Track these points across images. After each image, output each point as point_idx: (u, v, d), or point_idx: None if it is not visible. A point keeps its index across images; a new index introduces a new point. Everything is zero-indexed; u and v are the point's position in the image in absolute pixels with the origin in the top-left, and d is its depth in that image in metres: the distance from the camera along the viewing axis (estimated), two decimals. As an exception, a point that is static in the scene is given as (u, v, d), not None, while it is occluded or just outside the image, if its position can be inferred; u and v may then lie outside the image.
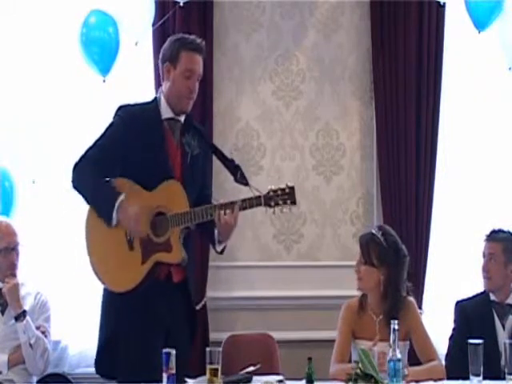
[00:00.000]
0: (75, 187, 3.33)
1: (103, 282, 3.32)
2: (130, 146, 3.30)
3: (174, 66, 3.37)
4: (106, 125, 3.42)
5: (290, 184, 3.34)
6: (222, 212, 3.27)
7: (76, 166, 3.32)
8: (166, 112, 3.40)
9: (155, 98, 3.46)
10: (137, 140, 3.31)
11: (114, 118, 3.41)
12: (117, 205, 3.21)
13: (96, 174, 3.29)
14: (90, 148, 3.35)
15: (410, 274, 3.56)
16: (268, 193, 3.31)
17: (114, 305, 3.32)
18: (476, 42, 4.49)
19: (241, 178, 3.38)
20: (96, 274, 3.30)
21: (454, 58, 4.70)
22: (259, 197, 3.30)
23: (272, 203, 3.31)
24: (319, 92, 4.71)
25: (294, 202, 3.33)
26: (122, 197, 3.22)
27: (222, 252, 3.51)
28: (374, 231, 3.50)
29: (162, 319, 3.30)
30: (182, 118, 3.44)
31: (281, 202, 3.31)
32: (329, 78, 4.72)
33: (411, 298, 3.53)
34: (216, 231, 3.38)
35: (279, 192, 3.32)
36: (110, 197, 3.24)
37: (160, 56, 3.45)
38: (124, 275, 3.27)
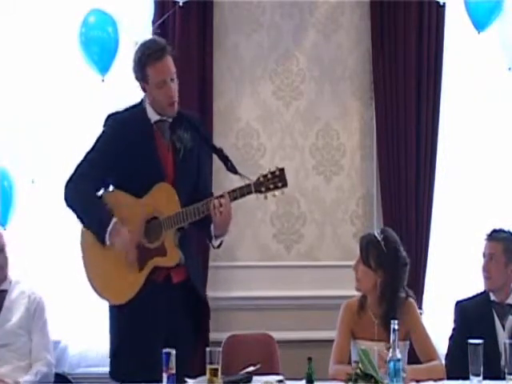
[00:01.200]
0: (68, 206, 3.34)
1: (103, 298, 3.32)
2: (122, 155, 3.29)
3: (146, 82, 3.35)
4: (97, 135, 3.40)
5: (279, 166, 3.29)
6: (217, 204, 3.23)
7: (67, 183, 3.33)
8: (153, 116, 3.39)
9: (142, 101, 3.44)
10: (127, 147, 3.30)
11: (104, 127, 3.40)
12: (109, 229, 3.23)
13: (87, 193, 3.30)
14: (81, 163, 3.35)
15: (409, 280, 3.56)
16: (258, 179, 3.26)
17: (116, 312, 3.33)
18: (476, 42, 4.49)
19: (231, 166, 3.36)
20: (95, 290, 3.31)
21: (453, 58, 4.70)
22: (249, 185, 3.25)
23: (263, 189, 3.25)
24: (319, 92, 4.71)
25: (284, 185, 3.26)
26: (113, 220, 3.24)
27: (219, 247, 3.48)
28: (376, 233, 3.49)
29: (163, 321, 3.29)
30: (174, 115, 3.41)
31: (272, 187, 3.25)
32: (329, 78, 4.72)
33: (411, 299, 3.52)
34: (212, 226, 3.35)
35: (269, 176, 3.25)
36: (102, 220, 3.26)
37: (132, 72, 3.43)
38: (122, 286, 3.27)
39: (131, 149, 3.30)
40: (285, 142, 4.68)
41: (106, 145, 3.34)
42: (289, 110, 4.69)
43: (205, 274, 4.40)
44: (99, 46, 4.17)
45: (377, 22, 4.64)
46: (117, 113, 3.43)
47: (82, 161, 3.35)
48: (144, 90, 3.39)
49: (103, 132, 3.39)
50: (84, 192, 3.29)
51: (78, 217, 3.33)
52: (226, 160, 3.37)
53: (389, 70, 4.62)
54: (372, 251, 3.44)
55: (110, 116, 3.41)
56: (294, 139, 4.69)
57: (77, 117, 4.50)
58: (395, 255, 3.45)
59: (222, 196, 3.27)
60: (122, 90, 4.43)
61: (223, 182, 4.25)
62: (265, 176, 3.26)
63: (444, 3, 4.44)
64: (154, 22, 4.36)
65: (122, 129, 3.35)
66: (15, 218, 4.29)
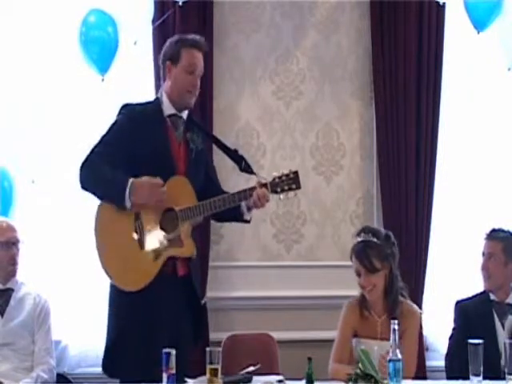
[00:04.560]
0: (84, 186, 3.33)
1: (116, 283, 3.31)
2: (134, 143, 3.33)
3: (175, 63, 3.41)
4: (106, 126, 3.43)
5: (293, 169, 3.39)
6: (262, 193, 3.32)
7: (83, 164, 3.33)
8: (168, 109, 3.44)
9: (157, 98, 3.51)
10: (140, 136, 3.34)
11: (118, 116, 3.44)
12: (128, 185, 3.23)
13: (105, 168, 3.30)
14: (96, 145, 3.37)
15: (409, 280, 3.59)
16: (274, 179, 3.36)
17: (120, 301, 3.32)
18: (476, 42, 4.48)
19: (246, 166, 3.44)
20: (108, 274, 3.30)
21: (453, 58, 4.70)
22: (265, 184, 3.35)
23: (278, 189, 3.36)
24: (319, 92, 4.71)
25: (298, 187, 3.37)
26: (130, 180, 3.25)
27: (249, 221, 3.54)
28: (362, 238, 3.50)
29: (168, 313, 3.30)
30: (185, 115, 3.47)
31: (286, 188, 3.36)
32: (329, 78, 4.72)
33: (418, 310, 3.54)
34: (243, 204, 3.41)
35: (284, 178, 3.37)
36: (119, 182, 3.26)
37: (161, 56, 3.49)
38: (136, 274, 3.27)
39: (144, 138, 3.33)
40: (285, 142, 4.68)
41: (121, 130, 3.37)
42: (289, 109, 4.69)
43: (205, 274, 4.41)
44: (99, 45, 4.16)
45: (377, 21, 4.64)
46: (131, 104, 3.48)
47: (97, 143, 3.36)
48: (169, 71, 3.42)
49: (117, 119, 3.42)
50: (100, 169, 3.29)
51: (95, 192, 3.32)
52: (240, 160, 3.44)
53: (389, 69, 4.62)
54: (372, 253, 3.45)
55: (125, 105, 3.46)
56: (294, 139, 4.69)
57: (77, 116, 4.50)
58: (388, 239, 3.51)
59: (238, 193, 3.34)
60: (122, 89, 4.45)
61: (225, 181, 4.22)
62: (280, 177, 3.37)
63: (444, 3, 4.44)
64: (153, 22, 4.36)
65: (136, 117, 3.38)
66: (15, 218, 4.28)
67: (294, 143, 4.68)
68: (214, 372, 2.88)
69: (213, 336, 4.38)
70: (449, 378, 3.50)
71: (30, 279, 4.08)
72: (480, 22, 4.28)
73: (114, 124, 3.41)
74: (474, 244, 4.08)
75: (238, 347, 4.23)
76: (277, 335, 4.33)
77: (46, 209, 4.48)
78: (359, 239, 3.51)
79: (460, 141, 4.73)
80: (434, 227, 4.59)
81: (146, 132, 3.35)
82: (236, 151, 3.47)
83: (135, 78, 4.51)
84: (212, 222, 4.23)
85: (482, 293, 3.81)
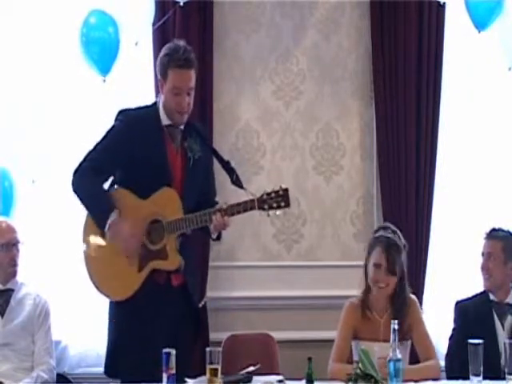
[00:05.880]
0: (74, 191, 3.36)
1: (101, 292, 3.35)
2: (131, 150, 3.31)
3: (164, 81, 3.39)
4: (107, 127, 3.43)
5: (283, 186, 3.31)
6: (219, 218, 3.28)
7: (76, 170, 3.35)
8: (165, 120, 3.42)
9: (155, 103, 3.49)
10: (137, 144, 3.32)
11: (115, 122, 3.42)
12: (108, 223, 3.24)
13: (95, 180, 3.32)
14: (91, 151, 3.37)
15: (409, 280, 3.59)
16: (262, 196, 3.28)
17: (117, 311, 3.35)
18: (476, 42, 4.48)
19: (236, 180, 3.40)
20: (94, 284, 3.34)
21: (454, 57, 4.70)
22: (253, 200, 3.29)
23: (266, 206, 3.28)
24: (319, 92, 4.71)
25: (287, 205, 3.29)
26: (114, 215, 3.26)
27: (218, 238, 3.49)
28: (391, 236, 3.49)
29: (164, 323, 3.31)
30: (182, 125, 3.46)
31: (275, 205, 3.27)
32: (329, 78, 4.72)
33: (413, 297, 3.54)
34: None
35: (273, 195, 3.28)
36: (104, 210, 3.28)
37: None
38: (121, 284, 3.30)
39: (140, 147, 3.32)
40: (285, 142, 4.68)
41: (117, 137, 3.36)
42: (289, 110, 4.69)
43: (205, 274, 4.41)
44: (100, 46, 4.16)
45: (377, 21, 4.64)
46: (129, 109, 3.46)
47: (92, 150, 3.37)
48: (161, 86, 3.43)
49: (114, 126, 3.41)
50: (90, 180, 3.31)
51: (82, 203, 3.35)
52: (232, 173, 3.40)
53: (389, 69, 4.62)
54: (396, 256, 3.46)
55: (121, 111, 3.44)
56: (294, 139, 4.69)
57: (77, 117, 4.51)
58: (404, 251, 3.51)
59: (225, 209, 3.28)
60: (123, 90, 4.45)
61: (224, 183, 4.23)
62: (269, 194, 3.28)
63: (444, 3, 4.43)
64: (154, 23, 4.36)
65: (134, 125, 3.37)
66: (16, 218, 4.28)
67: (293, 143, 4.68)
68: (214, 372, 2.89)
69: (213, 336, 4.38)
70: (449, 378, 3.50)
71: (30, 280, 4.09)
72: (481, 21, 4.28)
73: (110, 130, 3.40)
74: (473, 244, 4.08)
75: (238, 347, 4.23)
76: (277, 335, 4.33)
77: (46, 209, 4.49)
78: (389, 235, 3.50)
79: (460, 141, 4.73)
80: (434, 227, 4.59)
81: (143, 139, 3.33)
82: (228, 163, 3.43)
83: (136, 79, 4.51)
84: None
85: (481, 293, 3.82)
